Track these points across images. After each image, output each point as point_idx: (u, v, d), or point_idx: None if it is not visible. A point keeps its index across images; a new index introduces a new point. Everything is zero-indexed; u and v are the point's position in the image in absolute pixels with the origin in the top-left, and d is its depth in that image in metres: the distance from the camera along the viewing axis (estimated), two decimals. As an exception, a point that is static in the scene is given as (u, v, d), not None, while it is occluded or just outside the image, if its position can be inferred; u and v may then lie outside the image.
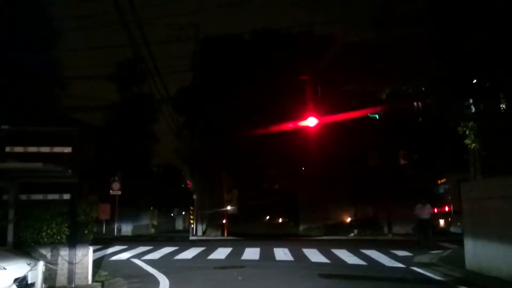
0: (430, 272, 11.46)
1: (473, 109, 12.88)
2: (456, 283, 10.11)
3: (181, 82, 30.98)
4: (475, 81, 12.42)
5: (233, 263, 13.32)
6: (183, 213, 47.64)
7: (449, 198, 21.65)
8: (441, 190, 23.38)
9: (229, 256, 15.26)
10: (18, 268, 7.11)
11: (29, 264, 7.38)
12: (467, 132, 12.60)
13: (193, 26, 29.13)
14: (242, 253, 15.85)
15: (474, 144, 12.87)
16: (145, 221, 39.60)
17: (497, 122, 12.27)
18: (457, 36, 11.63)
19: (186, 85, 30.78)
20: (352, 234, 26.99)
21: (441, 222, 22.46)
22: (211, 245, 19.00)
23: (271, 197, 33.88)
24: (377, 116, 25.51)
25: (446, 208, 21.96)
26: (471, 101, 12.90)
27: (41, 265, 7.58)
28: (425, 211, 18.22)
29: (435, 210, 20.03)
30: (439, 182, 23.37)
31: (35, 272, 7.40)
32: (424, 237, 18.13)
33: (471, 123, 12.51)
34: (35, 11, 20.02)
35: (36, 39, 19.39)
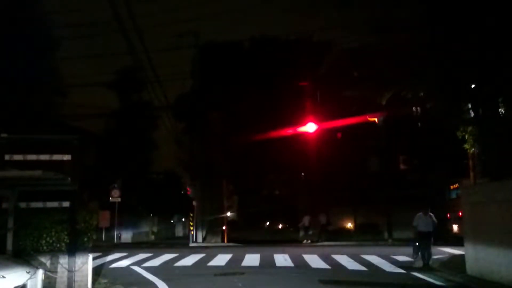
0: (431, 277, 11.42)
1: (472, 114, 12.90)
2: (457, 288, 10.09)
3: (181, 88, 31.09)
4: (473, 86, 12.45)
5: (233, 269, 13.29)
6: (183, 219, 47.60)
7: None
8: (454, 195, 23.14)
9: (229, 262, 15.22)
10: (17, 276, 7.08)
11: (28, 272, 7.34)
12: (466, 137, 12.61)
13: (192, 34, 29.23)
14: (242, 259, 15.82)
15: (473, 149, 12.88)
16: (145, 228, 39.55)
17: (496, 126, 12.29)
18: (456, 42, 11.68)
19: (186, 92, 30.85)
20: (304, 242, 26.80)
21: (455, 227, 22.18)
22: (211, 252, 18.96)
23: (271, 203, 33.87)
24: (376, 120, 25.50)
25: (460, 214, 21.70)
26: (470, 105, 12.92)
27: (40, 273, 7.55)
28: (426, 222, 13.79)
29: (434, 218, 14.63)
30: (452, 187, 23.14)
31: (35, 280, 7.37)
32: (426, 254, 13.63)
33: (470, 128, 12.53)
34: (35, 20, 20.10)
35: (35, 48, 19.45)
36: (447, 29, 11.82)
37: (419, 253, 13.90)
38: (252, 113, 27.01)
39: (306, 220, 28.10)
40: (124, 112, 35.11)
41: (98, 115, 31.93)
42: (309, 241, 27.00)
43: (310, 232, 27.80)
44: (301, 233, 29.62)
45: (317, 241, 26.56)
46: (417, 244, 14.11)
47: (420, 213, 13.96)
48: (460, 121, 12.81)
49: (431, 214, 14.02)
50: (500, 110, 12.39)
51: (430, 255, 13.70)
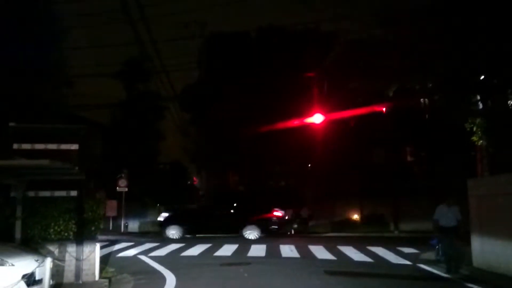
0: (437, 269, 11.41)
1: (481, 106, 12.81)
2: (463, 280, 10.06)
3: (187, 79, 31.14)
4: (482, 77, 12.37)
5: (239, 260, 13.34)
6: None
7: None
8: None
9: (235, 253, 15.28)
10: (26, 264, 7.16)
11: (37, 261, 7.42)
12: (475, 129, 12.54)
13: (199, 24, 29.18)
14: (248, 250, 15.87)
15: (481, 141, 12.81)
16: (151, 217, 39.70)
17: (504, 118, 12.21)
18: (465, 34, 11.59)
19: (192, 83, 30.86)
20: (289, 233, 26.97)
21: None
22: (218, 242, 19.02)
23: (277, 194, 33.84)
24: (383, 110, 25.38)
25: None
26: (478, 97, 12.84)
27: (48, 262, 7.62)
28: (450, 215, 11.35)
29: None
30: None
31: (43, 268, 7.44)
32: (450, 254, 11.18)
33: (478, 120, 12.45)
34: (41, 9, 20.09)
35: (42, 37, 19.46)
36: (456, 20, 11.72)
37: (441, 252, 11.91)
38: (258, 104, 26.97)
39: (288, 214, 28.48)
40: (131, 102, 35.15)
41: (105, 105, 32.05)
42: (292, 231, 27.37)
43: (295, 226, 28.06)
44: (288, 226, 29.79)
45: (289, 232, 27.10)
46: (439, 241, 12.03)
47: (443, 205, 11.49)
48: (468, 113, 12.73)
49: (457, 206, 11.49)
50: (509, 102, 12.31)
51: (459, 255, 11.19)
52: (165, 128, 37.81)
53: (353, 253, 14.76)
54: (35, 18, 19.43)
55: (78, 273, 9.25)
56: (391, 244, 17.38)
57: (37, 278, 7.29)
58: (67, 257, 9.30)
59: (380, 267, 12.11)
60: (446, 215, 11.35)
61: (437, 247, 12.38)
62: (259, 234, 21.29)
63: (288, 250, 15.73)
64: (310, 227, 29.37)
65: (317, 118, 22.71)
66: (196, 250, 16.13)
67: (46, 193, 9.51)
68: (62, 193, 9.54)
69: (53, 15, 20.98)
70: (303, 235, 26.15)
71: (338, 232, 26.80)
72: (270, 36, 29.42)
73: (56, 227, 9.45)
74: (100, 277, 9.74)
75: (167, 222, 22.67)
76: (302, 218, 29.09)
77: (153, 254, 14.86)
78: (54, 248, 9.28)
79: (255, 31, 30.63)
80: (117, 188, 28.88)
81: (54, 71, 21.27)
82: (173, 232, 21.95)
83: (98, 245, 9.74)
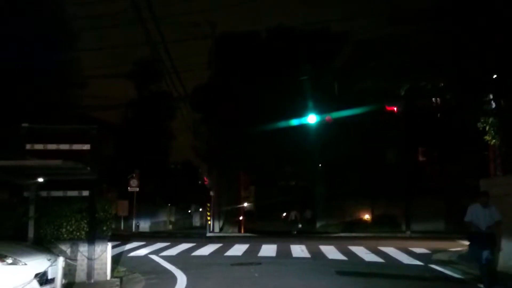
0: (449, 270, 11.31)
1: (493, 105, 12.67)
2: (476, 281, 9.94)
3: (199, 79, 31.25)
4: (495, 76, 12.22)
5: (250, 259, 13.35)
6: (200, 209, 47.93)
7: None
8: None
9: (246, 253, 15.30)
10: (38, 263, 7.23)
11: (49, 260, 7.49)
12: (487, 128, 12.40)
13: (209, 24, 29.25)
14: (258, 250, 15.88)
15: (494, 140, 12.67)
16: (162, 217, 39.96)
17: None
18: (478, 31, 11.47)
19: (203, 83, 30.92)
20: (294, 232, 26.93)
21: None
22: (228, 242, 19.08)
23: (288, 194, 33.85)
24: (395, 109, 25.18)
25: None
26: (491, 96, 12.70)
27: (61, 261, 7.69)
28: (486, 217, 8.98)
29: None
30: None
31: (55, 267, 7.51)
32: (485, 266, 8.91)
33: (491, 119, 12.31)
34: (53, 11, 20.28)
35: (55, 40, 19.64)
36: (470, 19, 11.60)
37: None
38: (269, 104, 26.93)
39: (293, 215, 28.58)
40: (142, 103, 35.40)
41: (117, 106, 32.32)
42: (295, 232, 27.37)
43: (300, 226, 28.11)
44: (318, 224, 29.80)
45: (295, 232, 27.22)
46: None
47: (476, 204, 9.21)
48: (480, 112, 12.60)
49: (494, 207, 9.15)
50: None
51: (491, 266, 9.03)
52: (176, 128, 38.10)
53: (364, 254, 14.69)
54: (48, 20, 19.60)
55: (90, 272, 9.32)
56: (402, 244, 17.28)
57: (49, 277, 7.36)
58: (79, 256, 9.38)
59: (391, 268, 12.04)
60: (483, 218, 8.98)
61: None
62: None
63: (299, 250, 15.71)
64: (317, 227, 29.44)
65: (327, 118, 22.63)
66: (207, 249, 16.18)
67: (59, 193, 9.59)
68: (74, 193, 9.61)
69: (65, 16, 21.17)
70: (309, 234, 26.16)
71: (349, 232, 26.71)
72: (280, 36, 29.37)
73: (68, 227, 9.53)
74: (112, 276, 9.80)
75: None
76: (307, 219, 29.25)
77: (164, 253, 14.94)
78: (66, 248, 9.36)
79: (265, 31, 30.61)
80: (129, 188, 29.10)
81: (67, 73, 21.46)
82: None
83: (109, 245, 9.81)
